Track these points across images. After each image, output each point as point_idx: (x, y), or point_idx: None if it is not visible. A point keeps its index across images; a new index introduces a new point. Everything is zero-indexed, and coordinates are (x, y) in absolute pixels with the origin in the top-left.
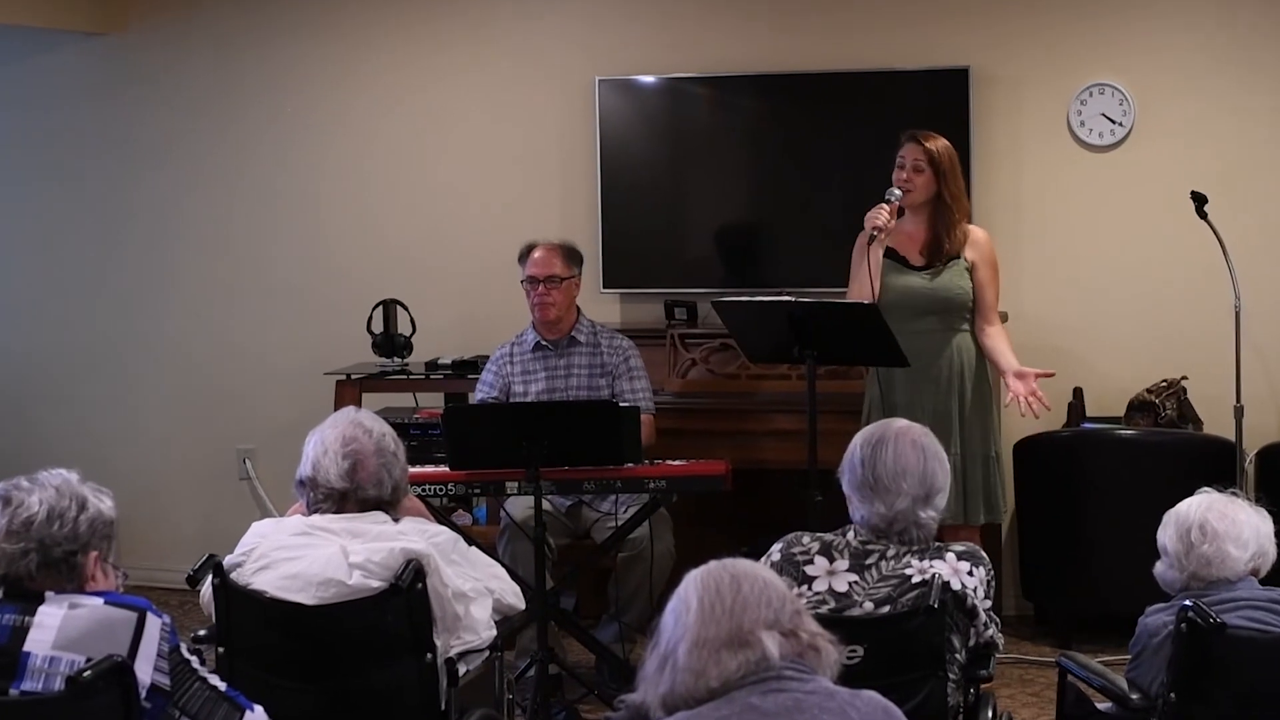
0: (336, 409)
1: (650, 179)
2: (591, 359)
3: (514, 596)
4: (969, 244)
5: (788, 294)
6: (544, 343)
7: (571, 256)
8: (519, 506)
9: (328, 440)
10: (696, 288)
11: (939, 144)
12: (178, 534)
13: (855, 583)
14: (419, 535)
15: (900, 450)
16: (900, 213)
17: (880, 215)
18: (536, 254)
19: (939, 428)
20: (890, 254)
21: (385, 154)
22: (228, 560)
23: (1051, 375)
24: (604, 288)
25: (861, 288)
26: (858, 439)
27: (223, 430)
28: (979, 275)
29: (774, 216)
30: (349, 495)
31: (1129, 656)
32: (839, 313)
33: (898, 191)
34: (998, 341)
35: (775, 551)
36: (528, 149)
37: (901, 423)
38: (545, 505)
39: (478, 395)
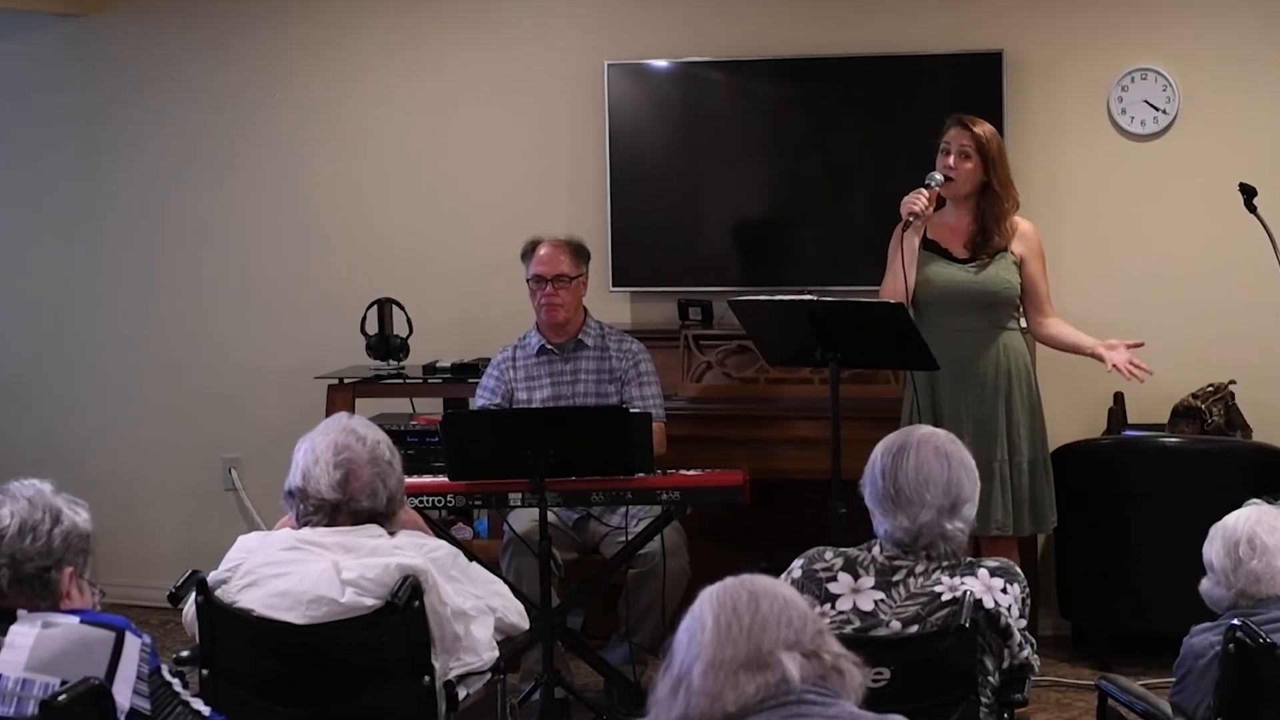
0: (328, 415)
1: (663, 170)
2: (600, 363)
3: (517, 615)
4: (1017, 237)
5: (809, 293)
6: (549, 346)
7: (579, 253)
8: (523, 519)
9: (318, 448)
10: (712, 286)
11: (987, 129)
12: (158, 548)
13: (881, 601)
14: (416, 550)
15: (923, 459)
16: (940, 202)
17: (919, 200)
18: (542, 251)
19: (984, 432)
20: (931, 246)
21: (381, 143)
22: (212, 576)
23: (1141, 345)
24: (613, 286)
25: (896, 279)
26: (878, 448)
27: (207, 438)
28: (1029, 270)
29: (795, 210)
30: (341, 507)
31: (1173, 679)
32: (864, 312)
33: (939, 176)
34: (1064, 327)
35: (796, 568)
36: (532, 138)
37: (924, 429)
38: (551, 518)
39: (478, 403)
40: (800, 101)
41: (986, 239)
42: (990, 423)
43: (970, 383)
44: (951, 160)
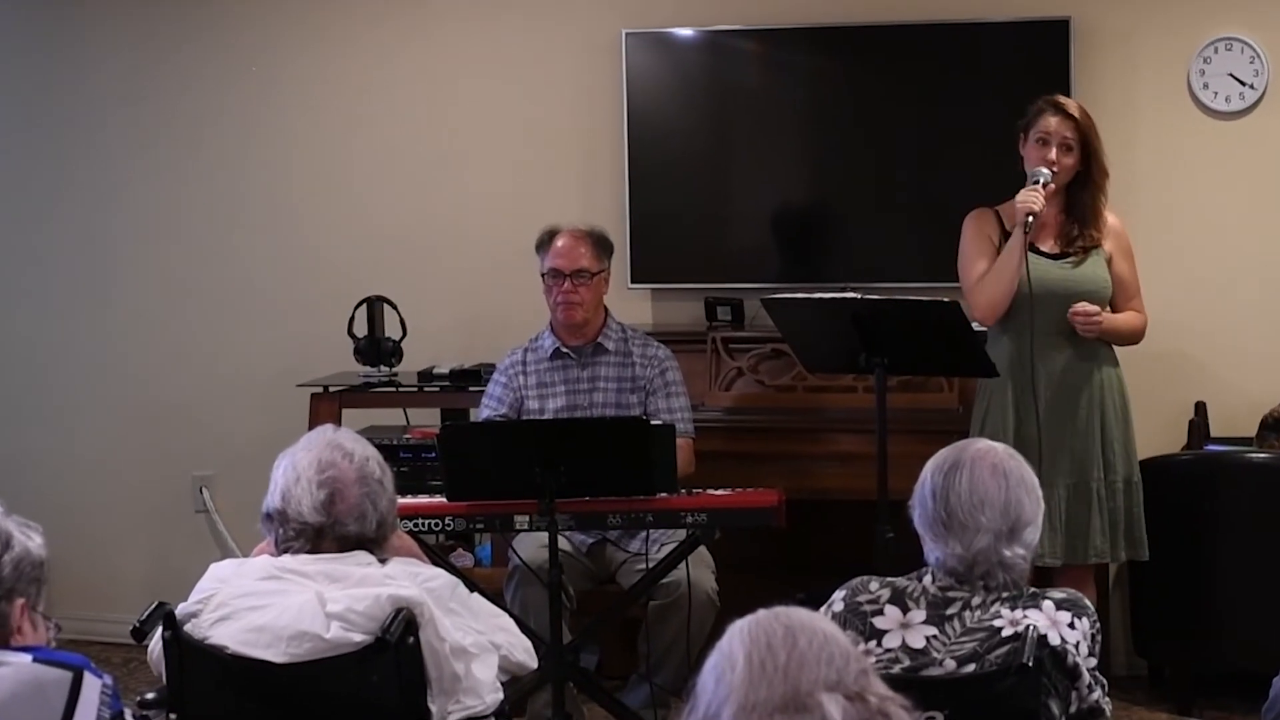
0: (311, 427)
1: (688, 153)
2: (621, 370)
3: (524, 653)
4: (1107, 232)
5: (853, 290)
6: (565, 349)
7: (602, 246)
8: (530, 545)
9: (300, 466)
10: (743, 282)
11: (1084, 114)
12: (121, 577)
13: (934, 637)
14: (410, 579)
15: (977, 477)
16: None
17: (1037, 199)
18: (560, 242)
19: (1080, 447)
20: None
21: (370, 123)
22: (181, 609)
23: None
24: (632, 283)
25: (1000, 280)
26: (929, 466)
27: (175, 453)
28: (1118, 268)
29: (837, 197)
30: (325, 532)
31: None
32: (914, 312)
33: (1046, 172)
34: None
35: (838, 599)
36: (541, 117)
37: (980, 444)
38: (562, 543)
39: (482, 413)
40: (843, 75)
41: (1082, 234)
42: (1087, 437)
43: (1065, 391)
44: (1054, 154)
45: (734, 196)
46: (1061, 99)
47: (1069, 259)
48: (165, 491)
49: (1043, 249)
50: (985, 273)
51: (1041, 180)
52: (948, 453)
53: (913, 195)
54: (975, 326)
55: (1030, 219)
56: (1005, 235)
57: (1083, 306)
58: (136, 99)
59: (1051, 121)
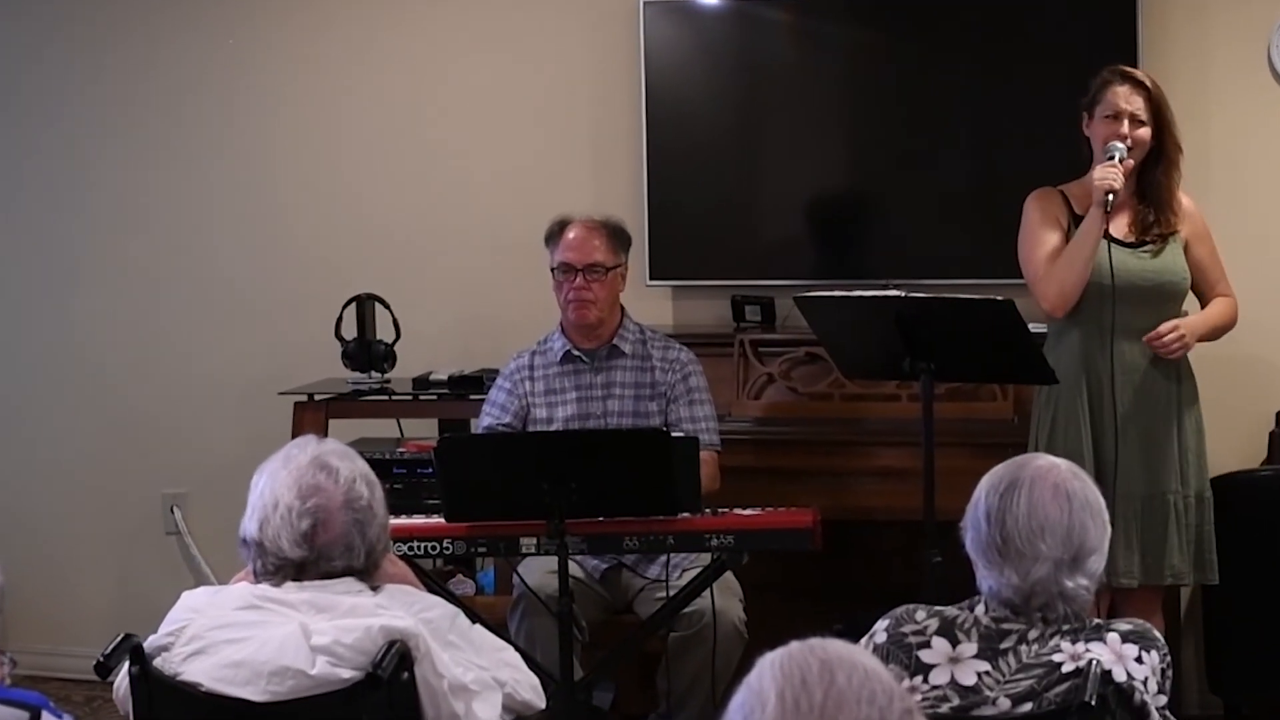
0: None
1: (713, 135)
2: (639, 375)
3: (531, 691)
4: (1181, 216)
5: (896, 287)
6: (576, 352)
7: (618, 238)
8: (538, 570)
9: (279, 488)
10: (774, 279)
11: (1157, 86)
12: (84, 607)
13: (986, 673)
14: (404, 609)
15: (1036, 499)
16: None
17: (1116, 176)
18: (572, 234)
19: (1158, 458)
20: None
21: (361, 102)
22: (150, 642)
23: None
24: (650, 279)
25: (1071, 268)
26: (983, 485)
27: (143, 469)
28: (1195, 254)
29: (879, 184)
30: (307, 567)
31: None
32: (964, 312)
33: (1121, 147)
34: (1212, 305)
35: (880, 631)
36: (549, 96)
37: (1041, 460)
38: (573, 569)
39: (484, 422)
40: (885, 47)
41: (1159, 218)
42: (1164, 446)
43: (1142, 396)
44: (1126, 128)
45: (764, 183)
46: (1129, 69)
47: (1146, 248)
48: (132, 511)
49: (1117, 236)
50: (1055, 257)
51: (1118, 155)
52: (1004, 470)
53: (963, 182)
54: (1032, 327)
55: (1110, 197)
56: (1074, 219)
57: (1163, 333)
58: (98, 74)
59: (1120, 93)
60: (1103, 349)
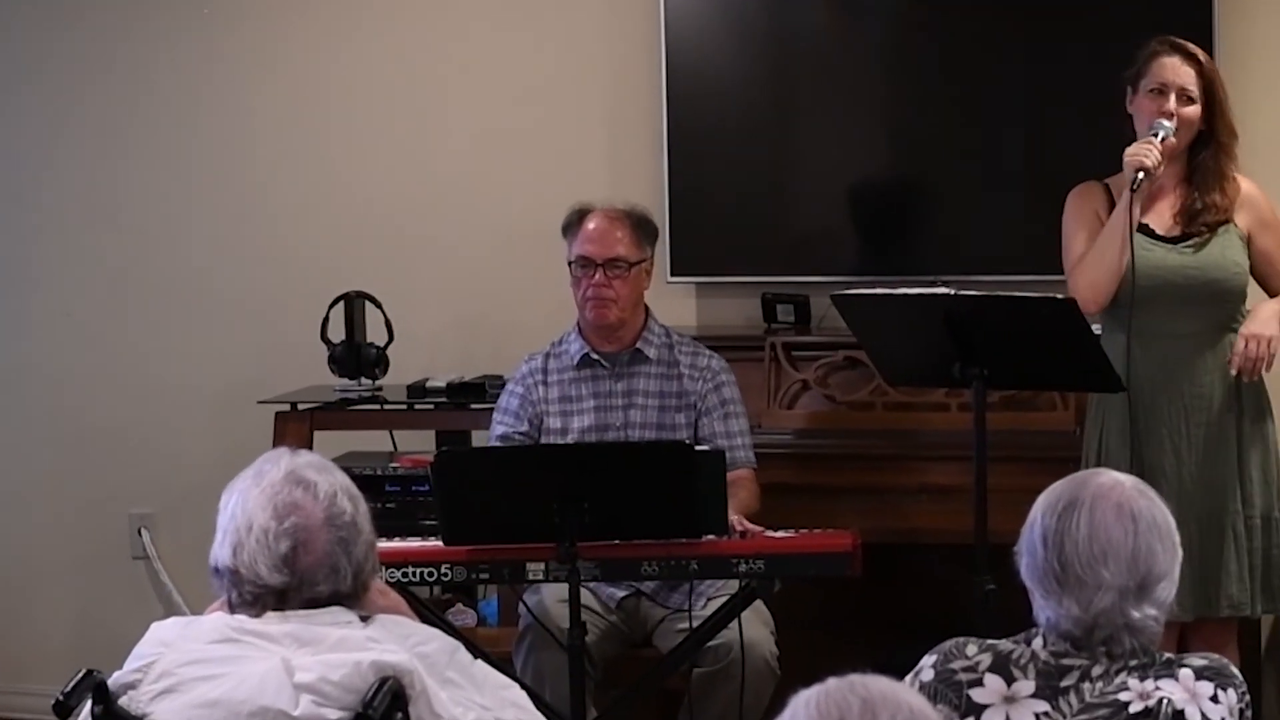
0: None
1: (741, 116)
2: (664, 383)
3: None
4: (1240, 202)
5: (944, 284)
6: (595, 356)
7: (642, 230)
8: (547, 599)
9: (252, 509)
10: (810, 275)
11: (1209, 60)
12: (42, 640)
13: (1045, 714)
14: (398, 643)
15: (1099, 520)
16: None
17: (1151, 153)
18: (592, 224)
19: (1213, 475)
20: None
21: (350, 80)
22: (115, 679)
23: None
24: (671, 275)
25: (1104, 261)
26: (1039, 505)
27: (108, 487)
28: (1261, 244)
29: (924, 172)
30: (289, 595)
31: None
32: (1020, 311)
33: (1168, 125)
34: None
35: (927, 667)
36: (559, 72)
37: (1104, 478)
38: (586, 598)
39: (496, 431)
40: (932, 20)
41: (1206, 206)
42: (1220, 462)
43: (1192, 406)
44: (1173, 103)
45: (798, 169)
46: (1177, 40)
47: (1190, 242)
48: (95, 534)
49: (1158, 231)
50: (1074, 250)
51: (1161, 134)
52: (1063, 488)
53: (1019, 168)
54: (1099, 328)
55: (1141, 176)
56: None
57: (1239, 350)
58: (54, 53)
59: (1169, 64)
60: (1146, 355)
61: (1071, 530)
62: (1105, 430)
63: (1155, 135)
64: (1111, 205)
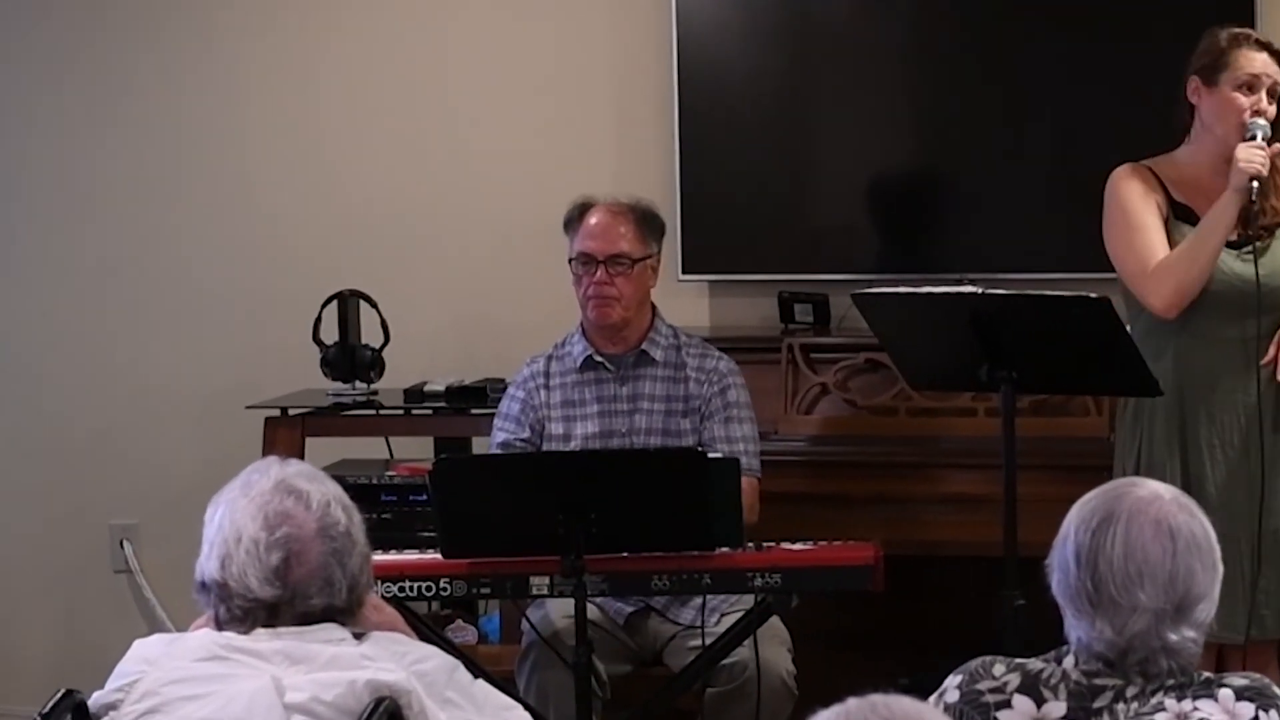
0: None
1: (757, 104)
2: (670, 386)
3: None
4: None
5: (972, 282)
6: (599, 358)
7: (647, 224)
8: (552, 615)
9: (241, 519)
10: (829, 273)
11: None
12: (20, 658)
13: None
14: (394, 661)
15: (1135, 537)
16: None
17: (1262, 158)
18: (594, 219)
19: (1270, 489)
20: (1184, 216)
21: (344, 68)
22: (96, 699)
23: None
24: (683, 273)
25: (1198, 257)
26: (1073, 517)
27: (88, 497)
28: None
29: (951, 164)
30: (281, 609)
31: None
32: (1052, 310)
33: (1263, 123)
34: None
35: (952, 688)
36: (565, 59)
37: (1143, 489)
38: (593, 613)
39: (497, 439)
40: (960, 6)
41: (1264, 210)
42: (1274, 475)
43: (1244, 416)
44: (1264, 101)
45: (817, 161)
46: (1252, 32)
47: (1248, 246)
48: (75, 546)
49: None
50: (1161, 247)
51: (1260, 134)
52: (1098, 500)
53: (1050, 160)
54: None
55: (1255, 185)
56: (1172, 204)
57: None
58: (33, 33)
59: (1257, 60)
60: (1197, 360)
61: (1106, 548)
62: (1147, 438)
63: (1254, 137)
64: (1165, 194)
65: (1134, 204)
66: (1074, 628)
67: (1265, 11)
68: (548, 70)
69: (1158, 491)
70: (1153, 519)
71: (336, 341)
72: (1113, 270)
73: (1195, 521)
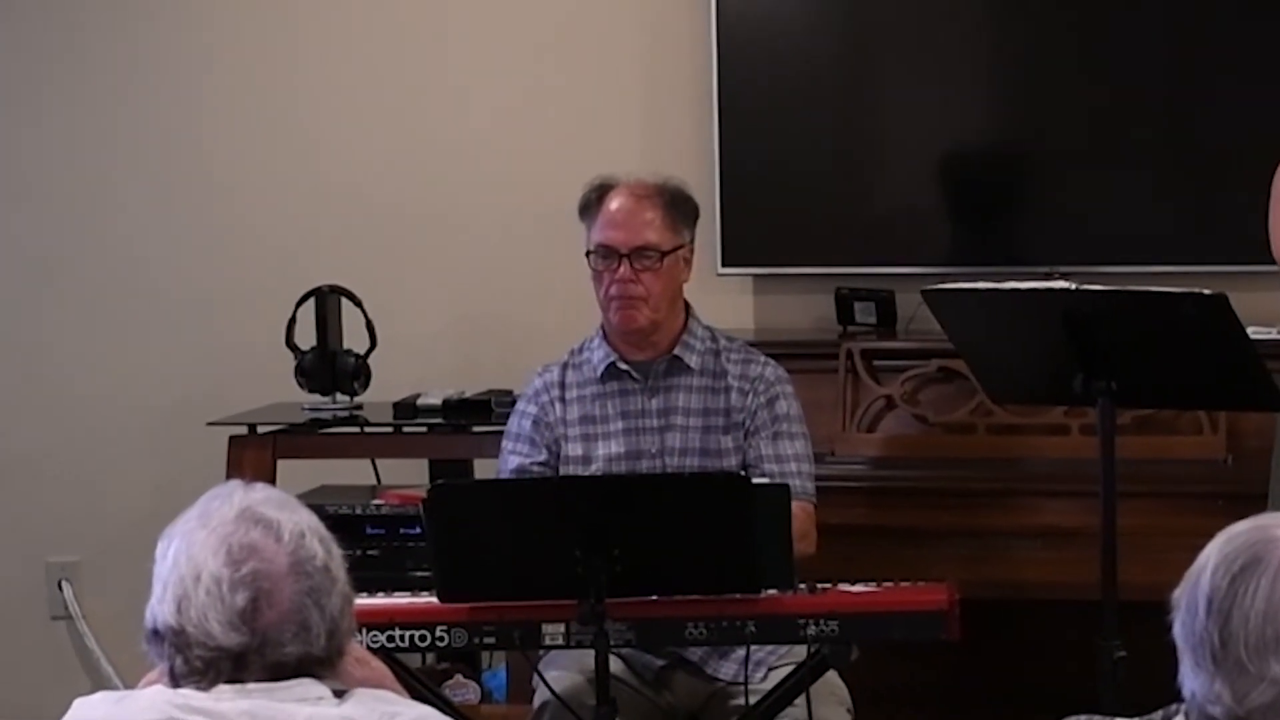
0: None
1: (808, 74)
2: (708, 399)
3: None
4: None
5: (1064, 277)
6: (624, 366)
7: (678, 208)
8: (568, 670)
9: (201, 554)
10: (895, 266)
11: None
12: None
13: None
14: None
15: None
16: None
17: None
18: (615, 204)
19: None
20: None
21: (325, 32)
22: None
23: None
24: (723, 266)
25: None
26: (1214, 549)
27: (22, 531)
28: None
29: (1037, 140)
30: (249, 660)
31: None
32: (1158, 310)
33: None
34: None
35: None
36: (588, 25)
37: None
38: (616, 666)
39: (508, 464)
40: None
41: None
42: None
43: None
44: None
45: (880, 137)
46: None
47: None
48: (7, 588)
49: None
50: None
51: None
52: (1245, 536)
53: (1156, 136)
54: (1254, 332)
55: None
56: None
57: None
58: None
59: None
60: None
61: (1244, 601)
62: None
63: None
64: None
65: None
66: (1189, 679)
67: None
68: (561, 25)
69: None
70: None
71: (314, 346)
72: (1230, 261)
73: None
